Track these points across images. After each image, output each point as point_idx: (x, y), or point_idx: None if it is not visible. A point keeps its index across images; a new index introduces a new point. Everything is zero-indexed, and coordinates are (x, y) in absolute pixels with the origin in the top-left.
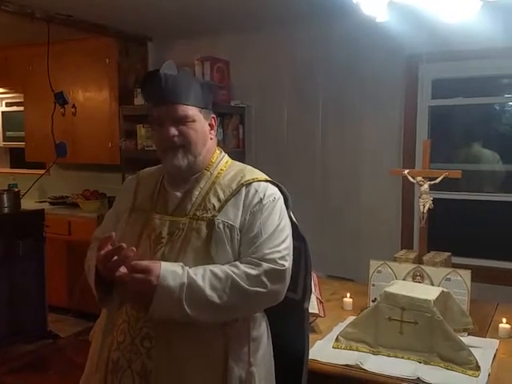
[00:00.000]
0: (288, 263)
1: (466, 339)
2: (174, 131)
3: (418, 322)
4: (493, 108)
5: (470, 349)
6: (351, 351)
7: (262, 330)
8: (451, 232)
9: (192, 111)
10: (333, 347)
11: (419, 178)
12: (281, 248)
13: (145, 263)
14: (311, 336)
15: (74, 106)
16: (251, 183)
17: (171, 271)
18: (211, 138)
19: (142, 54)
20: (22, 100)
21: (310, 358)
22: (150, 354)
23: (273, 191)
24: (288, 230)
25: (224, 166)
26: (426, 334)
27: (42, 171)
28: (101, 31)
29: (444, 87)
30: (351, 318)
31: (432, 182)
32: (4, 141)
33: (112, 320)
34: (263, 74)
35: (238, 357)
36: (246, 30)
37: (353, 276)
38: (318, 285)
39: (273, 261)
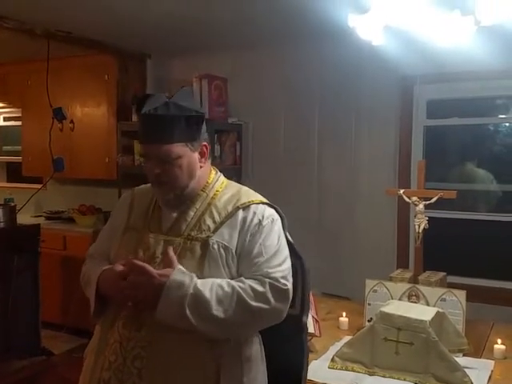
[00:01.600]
0: (289, 283)
1: (461, 360)
2: (157, 170)
3: (413, 343)
4: (487, 128)
5: (465, 370)
6: (347, 371)
7: (256, 350)
8: (446, 251)
9: (176, 148)
10: (328, 367)
11: (414, 198)
12: (282, 268)
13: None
14: None
15: (72, 121)
16: (248, 206)
17: (178, 282)
18: (201, 167)
19: (141, 70)
20: (19, 115)
21: None
22: (141, 374)
23: (270, 213)
24: (287, 250)
25: (220, 187)
26: (421, 354)
27: (38, 185)
28: (100, 48)
29: (439, 107)
30: (347, 338)
31: (427, 202)
32: (1, 155)
33: (104, 339)
34: (260, 92)
35: (230, 377)
36: (244, 48)
37: (348, 294)
38: (314, 303)
39: (276, 280)
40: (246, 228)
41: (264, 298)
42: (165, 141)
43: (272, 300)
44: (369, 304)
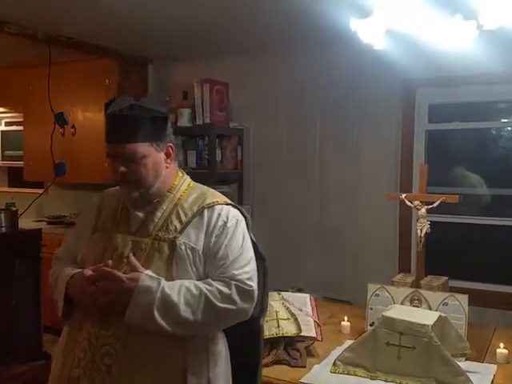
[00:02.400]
0: (255, 284)
1: (464, 364)
2: (122, 169)
3: (415, 347)
4: (489, 132)
5: (468, 374)
6: (349, 376)
7: (221, 346)
8: (448, 255)
9: (141, 148)
10: (330, 371)
11: (416, 203)
12: (248, 269)
13: (128, 275)
14: (309, 360)
15: (73, 126)
16: (213, 206)
17: (147, 287)
18: (167, 167)
19: (143, 75)
20: (21, 119)
21: (307, 382)
22: (111, 370)
23: (235, 214)
24: (252, 251)
25: (186, 189)
26: (423, 359)
27: (40, 190)
28: (102, 53)
29: (441, 111)
30: (349, 342)
31: (429, 207)
32: (2, 160)
33: (73, 338)
34: (262, 97)
35: (196, 372)
36: (246, 53)
37: (350, 298)
38: (316, 308)
39: (241, 282)
40: (211, 229)
41: (230, 300)
42: (130, 140)
43: (238, 301)
44: (371, 308)
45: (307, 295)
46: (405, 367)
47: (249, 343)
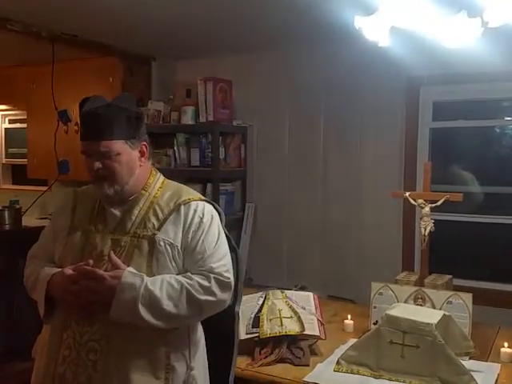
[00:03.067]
0: (231, 275)
1: (468, 363)
2: (97, 165)
3: (419, 346)
4: (494, 130)
5: (472, 373)
6: (352, 374)
7: (200, 334)
8: (452, 254)
9: (116, 145)
10: (334, 370)
11: (420, 201)
12: (224, 262)
13: (110, 272)
14: (312, 358)
15: (76, 123)
16: (189, 203)
17: (130, 284)
18: (141, 165)
19: (146, 73)
20: (25, 117)
21: (311, 381)
22: (96, 366)
23: (209, 209)
24: (226, 244)
25: (160, 186)
26: (427, 357)
27: (43, 188)
28: (105, 51)
29: (445, 109)
30: (352, 341)
31: (433, 205)
32: (6, 157)
33: (57, 337)
34: (265, 94)
35: (179, 361)
36: (249, 50)
37: (353, 297)
38: (319, 306)
39: (220, 274)
40: (188, 225)
41: (210, 292)
42: (105, 137)
43: (218, 292)
44: (374, 307)
45: (310, 293)
46: (408, 366)
47: (224, 331)
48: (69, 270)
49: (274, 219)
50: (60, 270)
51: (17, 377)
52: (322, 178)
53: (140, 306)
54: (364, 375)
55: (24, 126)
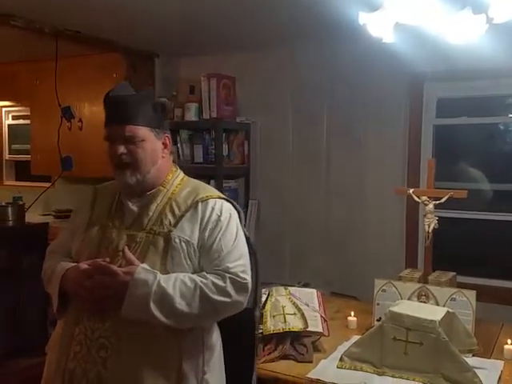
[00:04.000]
0: (248, 277)
1: (471, 360)
2: (122, 149)
3: (423, 343)
4: (497, 127)
5: (475, 370)
6: (356, 371)
7: (215, 338)
8: (456, 250)
9: (141, 131)
10: (337, 367)
11: (424, 198)
12: (241, 262)
13: (124, 268)
14: (316, 355)
15: (80, 120)
16: (206, 200)
17: (143, 280)
18: (163, 157)
19: (150, 69)
20: (28, 113)
21: (314, 377)
22: (106, 363)
23: (228, 208)
24: (245, 244)
25: (179, 183)
26: (431, 354)
27: (47, 184)
28: (108, 47)
29: (449, 106)
30: (356, 338)
31: (437, 202)
32: (10, 154)
33: (69, 332)
34: (269, 91)
35: (192, 365)
36: (253, 47)
37: (357, 294)
38: (323, 303)
39: (236, 274)
40: (205, 223)
41: (225, 292)
42: (131, 121)
43: (233, 293)
44: (378, 304)
45: (314, 290)
46: (412, 363)
47: (244, 335)
48: (84, 265)
49: (278, 216)
50: (75, 264)
51: (20, 374)
52: (326, 175)
53: (152, 303)
54: (367, 372)
55: (27, 122)
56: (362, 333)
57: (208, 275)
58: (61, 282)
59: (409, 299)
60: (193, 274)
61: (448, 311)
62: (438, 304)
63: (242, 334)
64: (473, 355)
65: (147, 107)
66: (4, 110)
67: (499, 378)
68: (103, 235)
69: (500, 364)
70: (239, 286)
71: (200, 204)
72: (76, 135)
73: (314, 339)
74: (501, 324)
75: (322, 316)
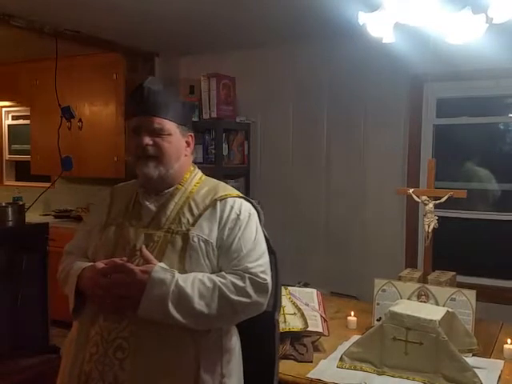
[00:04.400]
0: (268, 277)
1: (471, 360)
2: (148, 140)
3: (422, 343)
4: (497, 127)
5: (475, 370)
6: (355, 371)
7: (234, 342)
8: (456, 250)
9: (169, 125)
10: (337, 367)
11: (424, 198)
12: (261, 262)
13: (141, 267)
14: (315, 355)
15: (80, 120)
16: (225, 199)
17: (160, 279)
18: (186, 155)
19: (150, 69)
20: (28, 113)
21: (314, 377)
22: (123, 365)
23: (247, 207)
24: (264, 245)
25: (198, 182)
26: (431, 354)
27: (47, 184)
28: (108, 47)
29: (449, 106)
30: (356, 337)
31: (437, 202)
32: (10, 154)
33: (85, 333)
34: (269, 91)
35: (210, 368)
36: (252, 47)
37: (357, 294)
38: (323, 303)
39: (255, 275)
40: (224, 222)
41: (244, 293)
42: (161, 113)
43: (252, 294)
44: (377, 303)
45: (314, 290)
46: (412, 363)
47: (264, 339)
48: (101, 264)
49: (277, 216)
50: (92, 263)
51: (21, 373)
52: (326, 175)
53: (170, 303)
54: (367, 371)
55: (27, 122)
56: (362, 333)
57: (227, 275)
58: (77, 281)
59: (409, 299)
60: (211, 274)
61: (448, 311)
62: (437, 304)
63: (262, 338)
64: (473, 355)
65: (176, 103)
66: (4, 110)
67: (499, 377)
68: (120, 234)
69: (500, 363)
70: (259, 286)
71: (219, 203)
72: (76, 135)
73: (313, 339)
74: (500, 323)
75: (321, 316)
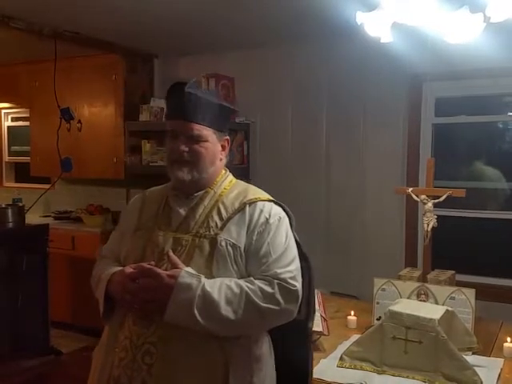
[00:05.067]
0: (299, 284)
1: (471, 358)
2: (184, 147)
3: (422, 341)
4: (496, 126)
5: (475, 368)
6: (355, 370)
7: (265, 350)
8: (455, 249)
9: (206, 131)
10: (337, 366)
11: (423, 197)
12: (291, 268)
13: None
14: (315, 354)
15: (79, 121)
16: (255, 203)
17: (186, 284)
18: (221, 159)
19: (149, 70)
20: (27, 115)
21: (314, 376)
22: (151, 370)
23: (277, 211)
24: (295, 250)
25: (228, 185)
26: (430, 353)
27: (46, 186)
28: (107, 48)
29: (447, 105)
30: (355, 337)
31: (436, 201)
32: (9, 155)
33: (114, 337)
34: (268, 91)
35: (239, 375)
36: (251, 47)
37: (356, 293)
38: (322, 302)
39: (284, 281)
40: (253, 226)
41: (273, 299)
42: (199, 120)
43: (281, 301)
44: (377, 303)
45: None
46: (411, 361)
47: (297, 348)
48: (129, 269)
49: None
50: (121, 268)
51: (22, 374)
52: (325, 175)
53: (195, 308)
54: (367, 371)
55: (27, 123)
56: (362, 332)
57: (255, 281)
58: (107, 286)
59: (408, 298)
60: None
61: (447, 310)
62: (437, 303)
63: (295, 347)
64: (472, 353)
65: (214, 108)
66: (3, 111)
67: (499, 375)
68: (149, 239)
69: (500, 362)
70: (288, 292)
71: (248, 206)
72: (75, 136)
73: (314, 338)
74: (500, 322)
75: (321, 315)
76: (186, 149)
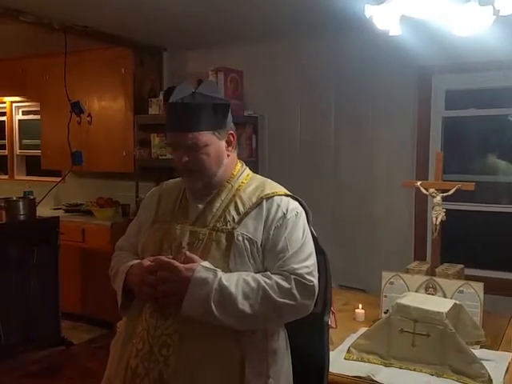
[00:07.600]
0: (315, 279)
1: (479, 352)
2: (185, 158)
3: (430, 335)
4: (506, 119)
5: (483, 362)
6: (363, 363)
7: (281, 343)
8: (465, 243)
9: (203, 137)
10: (344, 358)
11: (432, 190)
12: (308, 263)
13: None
14: None
15: (89, 115)
16: (272, 197)
17: (202, 278)
18: (228, 155)
19: (157, 64)
20: (38, 109)
21: None
22: (168, 361)
23: (294, 206)
24: (312, 245)
25: (245, 179)
26: (438, 346)
27: (57, 179)
28: (116, 41)
29: (457, 98)
30: (363, 330)
31: (445, 194)
32: (20, 149)
33: (132, 329)
34: (276, 84)
35: (255, 369)
36: (260, 40)
37: (365, 286)
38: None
39: (301, 276)
40: (270, 220)
41: (290, 294)
42: (192, 128)
43: (298, 296)
44: (385, 296)
45: None
46: (419, 355)
47: (314, 341)
48: (147, 261)
49: None
50: (139, 261)
51: (33, 365)
52: (334, 168)
53: (212, 302)
54: (374, 363)
55: (37, 117)
56: (370, 325)
57: (272, 275)
58: (125, 278)
59: (416, 291)
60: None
61: (455, 303)
62: (445, 296)
63: (311, 340)
64: (480, 347)
65: (208, 109)
66: (14, 105)
67: (507, 369)
68: (167, 232)
69: (508, 356)
70: (305, 288)
71: (265, 201)
72: (86, 130)
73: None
74: (509, 316)
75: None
76: (187, 159)
